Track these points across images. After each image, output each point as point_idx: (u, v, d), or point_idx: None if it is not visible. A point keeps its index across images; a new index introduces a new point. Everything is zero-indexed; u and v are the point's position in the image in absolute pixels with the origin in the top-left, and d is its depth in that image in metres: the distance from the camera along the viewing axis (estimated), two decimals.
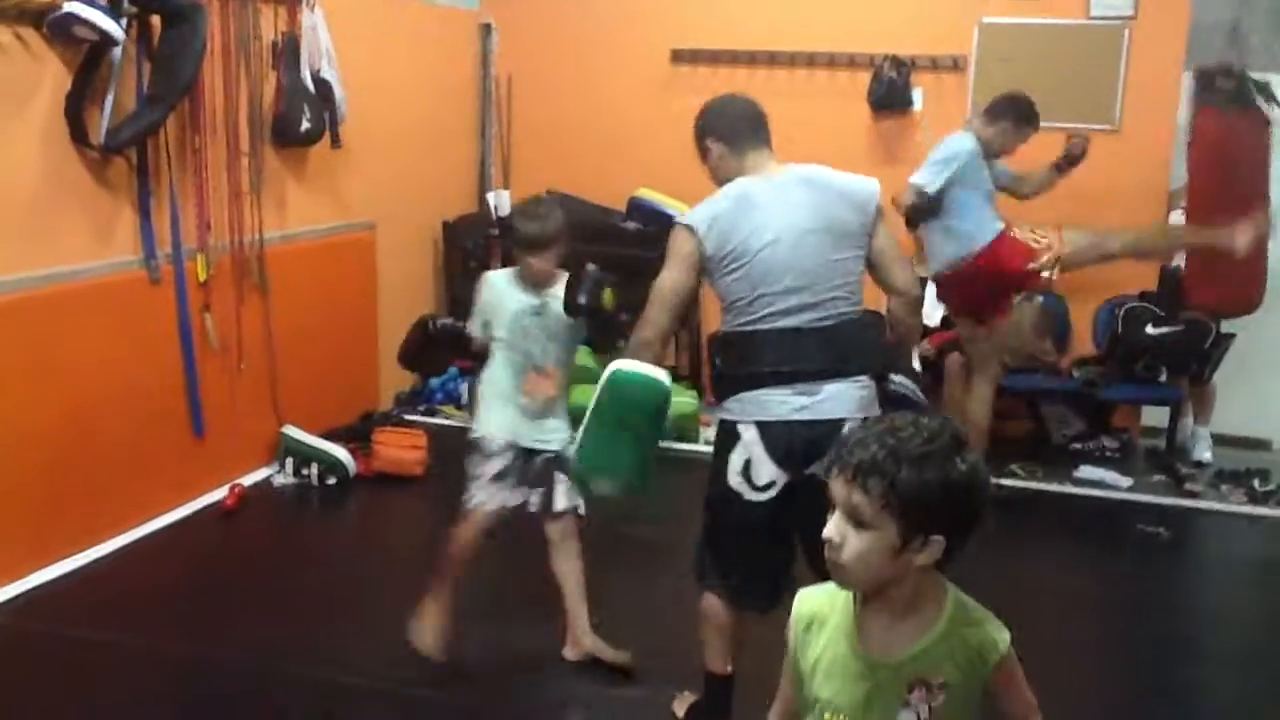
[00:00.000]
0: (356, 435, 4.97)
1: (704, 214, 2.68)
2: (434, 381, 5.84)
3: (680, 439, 5.47)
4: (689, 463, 5.32)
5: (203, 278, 4.28)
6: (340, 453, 4.73)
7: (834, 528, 1.54)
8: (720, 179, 2.80)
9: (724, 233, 2.64)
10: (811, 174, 2.76)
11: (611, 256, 5.89)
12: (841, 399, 2.62)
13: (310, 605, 3.67)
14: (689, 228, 2.66)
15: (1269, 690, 3.47)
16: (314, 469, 4.68)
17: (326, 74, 4.73)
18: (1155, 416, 5.72)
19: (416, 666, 3.16)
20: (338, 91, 4.79)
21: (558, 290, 3.08)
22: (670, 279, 2.69)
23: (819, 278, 2.63)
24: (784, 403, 2.60)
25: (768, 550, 2.70)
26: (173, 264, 4.15)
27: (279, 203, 4.73)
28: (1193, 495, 5.06)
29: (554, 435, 3.23)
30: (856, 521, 1.51)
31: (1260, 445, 5.83)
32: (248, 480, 4.60)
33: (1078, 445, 5.45)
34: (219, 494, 4.43)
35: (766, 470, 2.62)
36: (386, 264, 5.52)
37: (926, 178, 4.54)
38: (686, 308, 2.80)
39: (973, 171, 4.59)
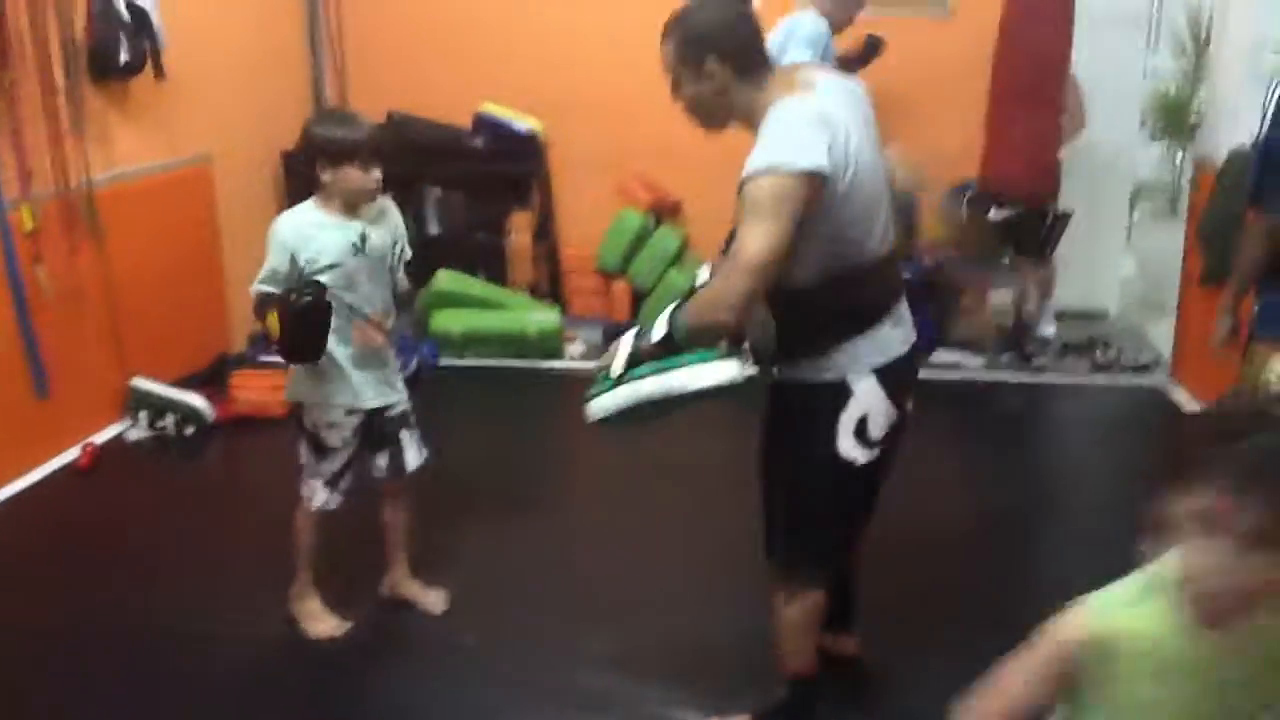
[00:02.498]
0: (211, 380, 4.81)
1: (817, 147, 2.12)
2: None
3: (546, 356, 5.46)
4: (557, 379, 5.34)
5: (29, 228, 4.02)
6: (196, 400, 4.56)
7: None
8: (710, 109, 2.32)
9: (837, 163, 2.14)
10: (839, 81, 2.37)
11: (460, 175, 5.85)
12: (909, 317, 2.41)
13: (178, 559, 3.56)
14: (811, 173, 2.10)
15: (1126, 533, 3.67)
16: (170, 420, 4.51)
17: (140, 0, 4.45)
18: (1001, 296, 5.92)
19: (284, 613, 3.11)
20: (155, 18, 4.51)
21: (377, 216, 2.85)
22: (770, 242, 2.10)
23: (886, 190, 2.34)
24: (891, 337, 2.32)
25: (863, 511, 2.48)
26: None
27: (105, 141, 4.46)
28: (1040, 369, 5.30)
29: (395, 390, 3.01)
30: None
31: (1099, 316, 6.12)
32: (100, 438, 4.41)
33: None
34: (71, 455, 4.23)
35: (884, 421, 2.32)
36: (226, 199, 5.29)
37: (804, 59, 4.42)
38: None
39: (828, 56, 4.59)
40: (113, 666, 2.97)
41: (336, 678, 2.93)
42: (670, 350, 2.26)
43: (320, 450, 2.95)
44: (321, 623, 3.07)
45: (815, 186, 2.12)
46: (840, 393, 2.29)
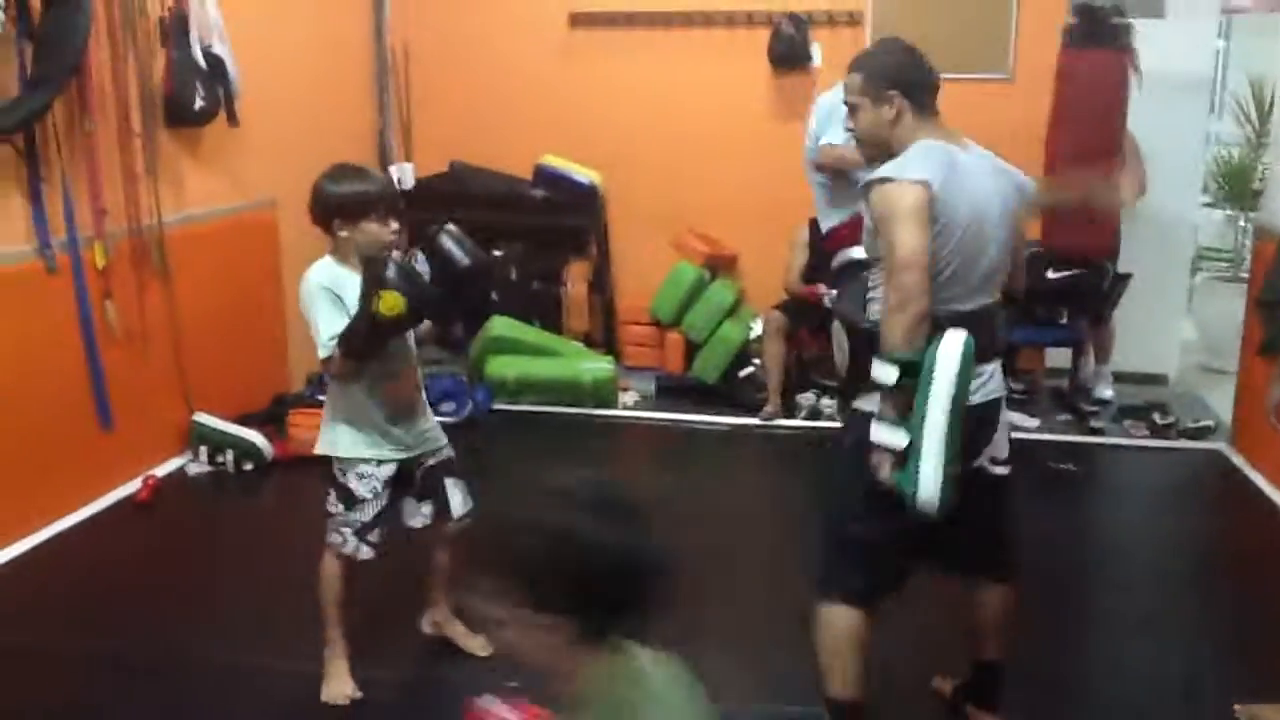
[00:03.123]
0: (270, 418, 4.89)
1: (927, 168, 2.35)
2: None
3: (599, 404, 5.49)
4: (609, 427, 5.37)
5: (101, 265, 4.15)
6: (255, 437, 4.64)
7: None
8: (877, 138, 2.51)
9: (944, 195, 2.35)
10: (991, 154, 2.59)
11: (521, 225, 5.94)
12: (997, 378, 2.51)
13: (233, 593, 3.61)
14: (920, 182, 2.32)
15: (1175, 608, 3.62)
16: (229, 455, 4.59)
17: (218, 49, 4.59)
18: (1058, 358, 5.88)
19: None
20: (230, 67, 4.66)
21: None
22: (911, 240, 2.29)
23: (998, 262, 2.48)
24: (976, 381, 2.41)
25: (913, 544, 2.51)
26: (69, 252, 4.01)
27: (176, 184, 4.59)
28: (1097, 432, 5.24)
29: (431, 440, 3.00)
30: None
31: (1158, 380, 6.05)
32: (161, 471, 4.49)
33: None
34: (132, 487, 4.32)
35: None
36: (289, 243, 5.39)
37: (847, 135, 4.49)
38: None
39: None
40: (164, 698, 3.01)
41: (374, 713, 2.94)
42: (910, 377, 2.30)
43: (350, 500, 2.91)
44: (339, 686, 2.97)
45: (926, 196, 2.32)
46: None
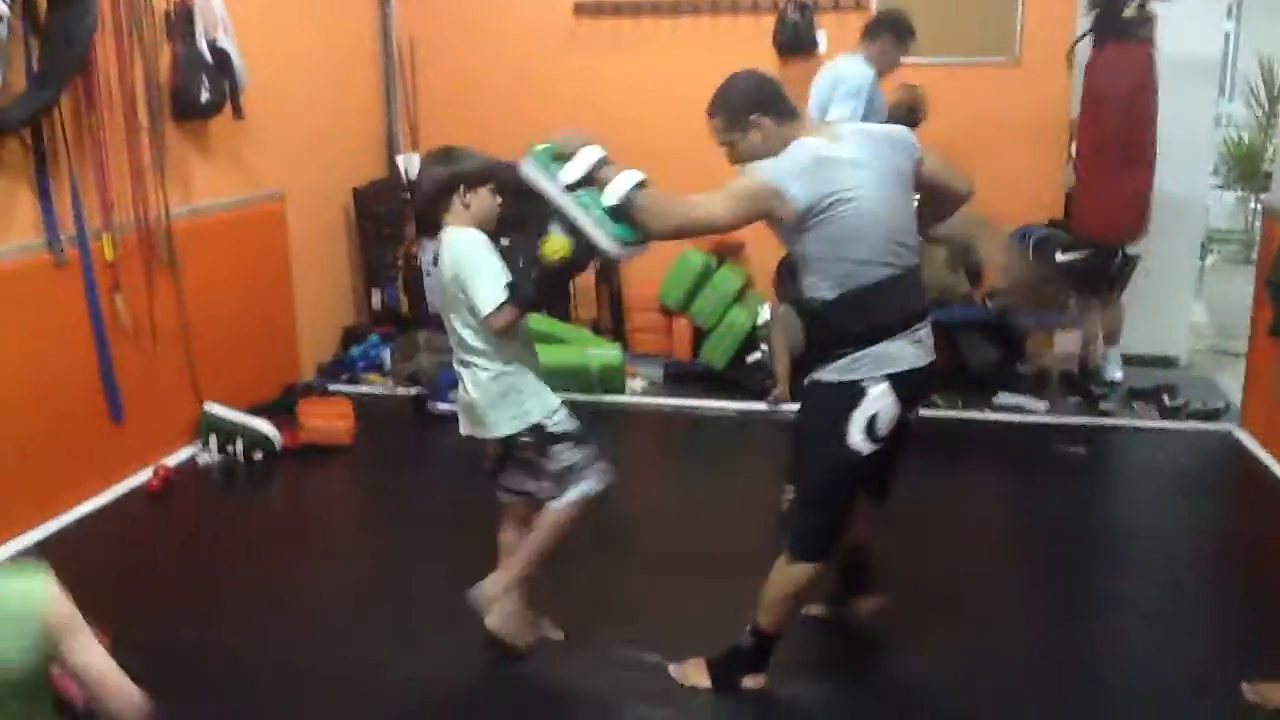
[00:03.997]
0: (280, 408, 4.91)
1: (784, 172, 2.64)
2: (355, 350, 5.79)
3: (607, 391, 5.50)
4: (618, 414, 5.38)
5: (110, 258, 4.18)
6: (265, 426, 4.67)
7: None
8: (753, 156, 2.78)
9: (814, 189, 2.62)
10: (862, 129, 2.86)
11: (527, 214, 5.93)
12: (930, 338, 2.77)
13: (243, 582, 3.64)
14: (770, 184, 2.64)
15: (1185, 591, 3.62)
16: (239, 445, 4.62)
17: (223, 43, 4.60)
18: (1067, 341, 5.87)
19: (354, 642, 3.16)
20: (236, 60, 4.67)
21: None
22: (719, 213, 2.72)
23: (900, 229, 2.71)
24: (906, 351, 2.69)
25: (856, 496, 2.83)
26: (77, 246, 4.04)
27: (183, 178, 4.62)
28: (1107, 414, 5.23)
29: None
30: None
31: (1167, 363, 6.03)
32: (171, 461, 4.53)
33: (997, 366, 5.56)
34: (143, 476, 4.35)
35: (889, 420, 2.67)
36: (298, 234, 5.43)
37: (848, 110, 4.52)
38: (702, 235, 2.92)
39: (875, 97, 4.63)
40: (172, 687, 3.03)
41: (391, 703, 2.97)
42: (607, 207, 2.69)
43: (579, 438, 2.98)
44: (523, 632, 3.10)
45: (777, 200, 2.61)
46: (853, 393, 2.66)
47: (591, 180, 2.72)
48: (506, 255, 2.88)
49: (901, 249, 2.71)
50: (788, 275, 2.94)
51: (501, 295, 2.80)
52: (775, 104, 2.78)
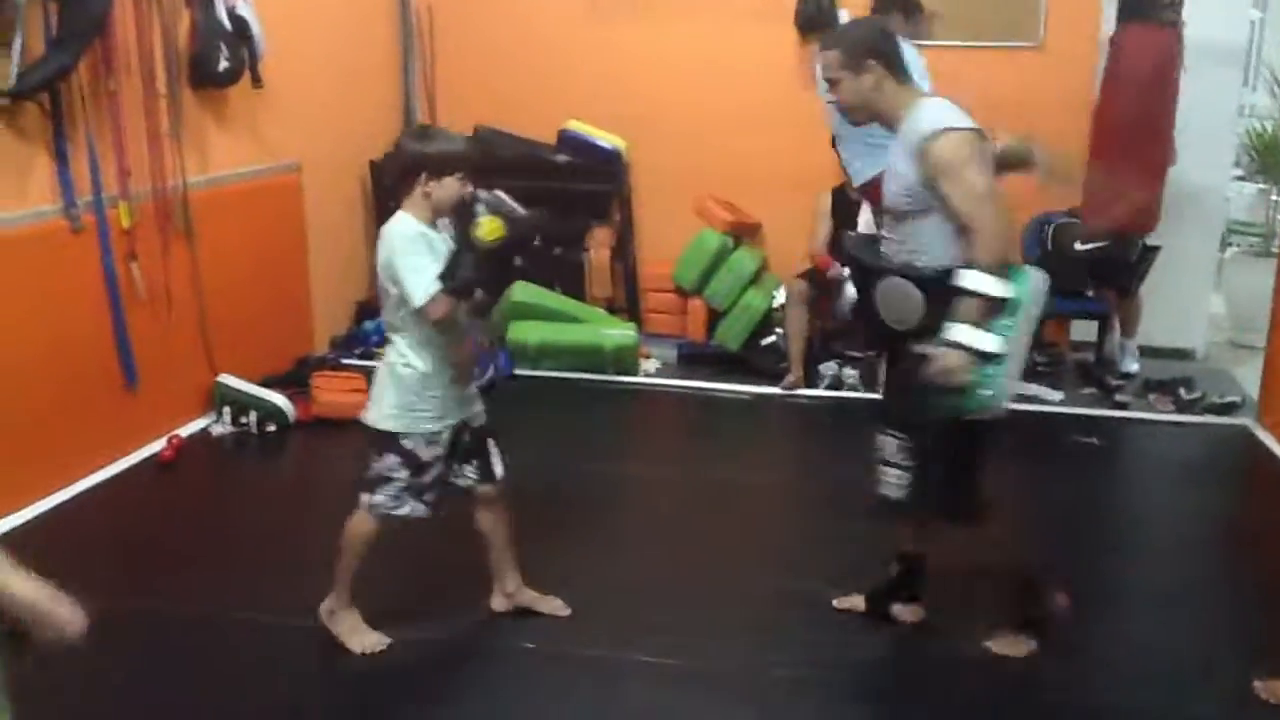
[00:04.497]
0: (293, 381, 4.90)
1: (963, 118, 2.68)
2: (369, 324, 5.77)
3: (620, 371, 5.49)
4: (630, 394, 5.37)
5: (126, 225, 4.16)
6: (278, 399, 4.66)
7: None
8: (857, 100, 2.76)
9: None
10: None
11: (544, 190, 5.90)
12: None
13: (256, 553, 3.64)
14: (977, 131, 2.66)
15: (1197, 583, 3.60)
16: (252, 417, 4.62)
17: (242, 10, 4.58)
18: (1084, 331, 5.84)
19: (363, 610, 3.15)
20: (255, 28, 4.65)
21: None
22: (990, 181, 2.64)
23: None
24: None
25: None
26: (94, 212, 4.02)
27: (200, 146, 4.60)
28: (1122, 406, 5.20)
29: (477, 401, 3.07)
30: None
31: (1184, 355, 6.00)
32: (185, 431, 4.53)
33: None
34: (156, 446, 4.35)
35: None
36: (314, 206, 5.41)
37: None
38: None
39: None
40: (182, 654, 3.04)
41: (401, 672, 2.97)
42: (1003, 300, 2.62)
43: (417, 466, 2.93)
44: (368, 635, 3.04)
45: (981, 144, 2.63)
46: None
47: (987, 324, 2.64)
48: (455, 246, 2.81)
49: None
50: (868, 249, 2.91)
51: (434, 285, 2.75)
52: (893, 59, 2.76)
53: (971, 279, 2.59)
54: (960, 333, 2.61)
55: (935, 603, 3.21)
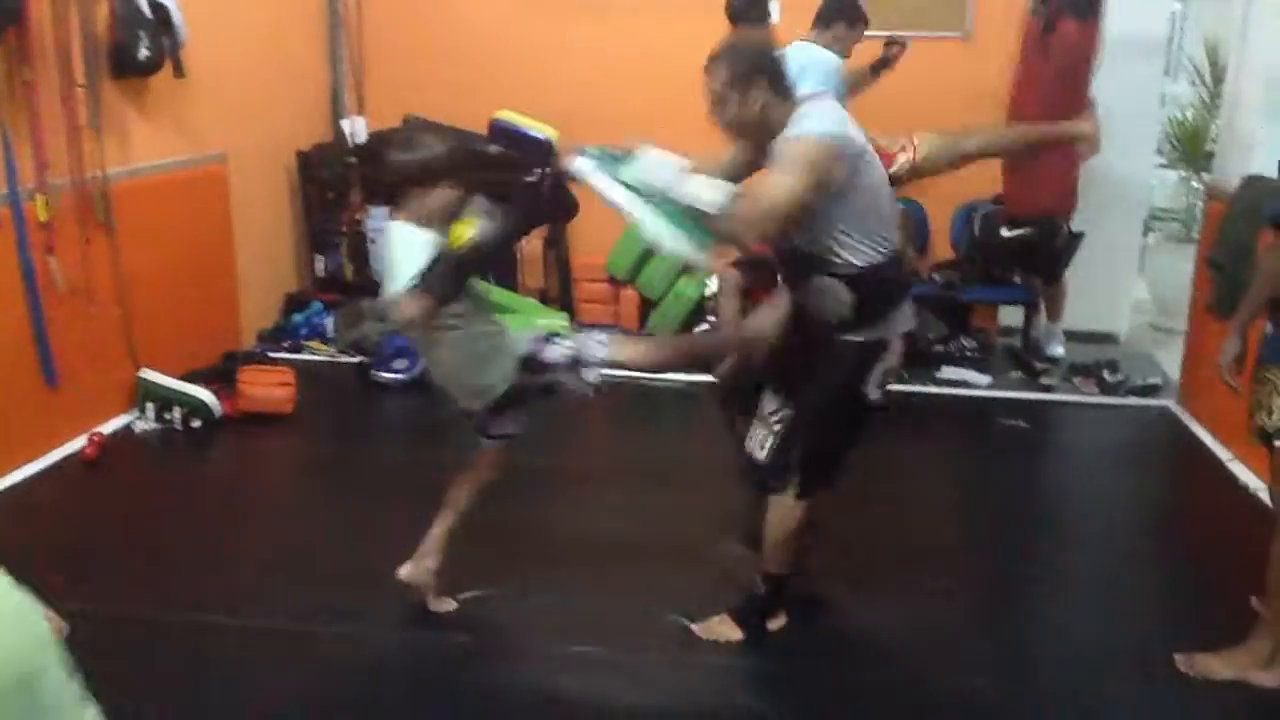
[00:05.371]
0: (220, 375, 4.82)
1: (835, 123, 2.68)
2: (298, 317, 5.70)
3: None
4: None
5: (43, 218, 4.06)
6: (203, 394, 4.58)
7: None
8: (739, 120, 2.74)
9: (855, 153, 2.68)
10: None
11: (475, 181, 5.85)
12: (908, 313, 2.96)
13: (180, 551, 3.58)
14: (834, 136, 2.63)
15: (1123, 563, 3.68)
16: (176, 413, 4.53)
17: None
18: (1011, 316, 5.93)
19: (293, 608, 3.13)
20: (176, 16, 4.56)
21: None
22: (794, 186, 2.60)
23: (894, 211, 2.91)
24: (907, 312, 2.92)
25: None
26: (10, 205, 3.92)
27: (121, 137, 4.50)
28: (1048, 389, 5.29)
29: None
30: None
31: (1108, 339, 6.12)
32: (107, 428, 4.44)
33: (939, 347, 5.60)
34: (77, 444, 4.26)
35: (891, 374, 2.90)
36: (240, 197, 5.33)
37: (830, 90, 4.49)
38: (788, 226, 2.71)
39: (840, 89, 4.61)
40: (108, 660, 2.98)
41: (337, 668, 2.94)
42: (690, 214, 2.63)
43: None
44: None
45: (836, 154, 2.61)
46: (874, 351, 2.84)
47: (657, 188, 2.67)
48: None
49: (894, 225, 2.88)
50: (796, 258, 2.92)
51: (407, 287, 2.83)
52: (780, 77, 2.77)
53: (718, 187, 2.63)
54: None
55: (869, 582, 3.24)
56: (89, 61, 4.24)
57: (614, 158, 2.72)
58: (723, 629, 3.08)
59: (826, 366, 2.89)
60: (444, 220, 2.87)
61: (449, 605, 3.22)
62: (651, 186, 2.65)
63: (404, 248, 2.89)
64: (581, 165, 2.75)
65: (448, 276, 2.84)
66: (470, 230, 2.82)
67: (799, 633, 3.15)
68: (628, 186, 2.68)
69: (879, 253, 2.77)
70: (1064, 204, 5.19)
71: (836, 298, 2.80)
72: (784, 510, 2.97)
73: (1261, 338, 2.93)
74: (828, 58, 4.51)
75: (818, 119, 2.68)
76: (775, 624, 3.12)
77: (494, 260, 2.99)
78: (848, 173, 2.66)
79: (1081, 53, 4.95)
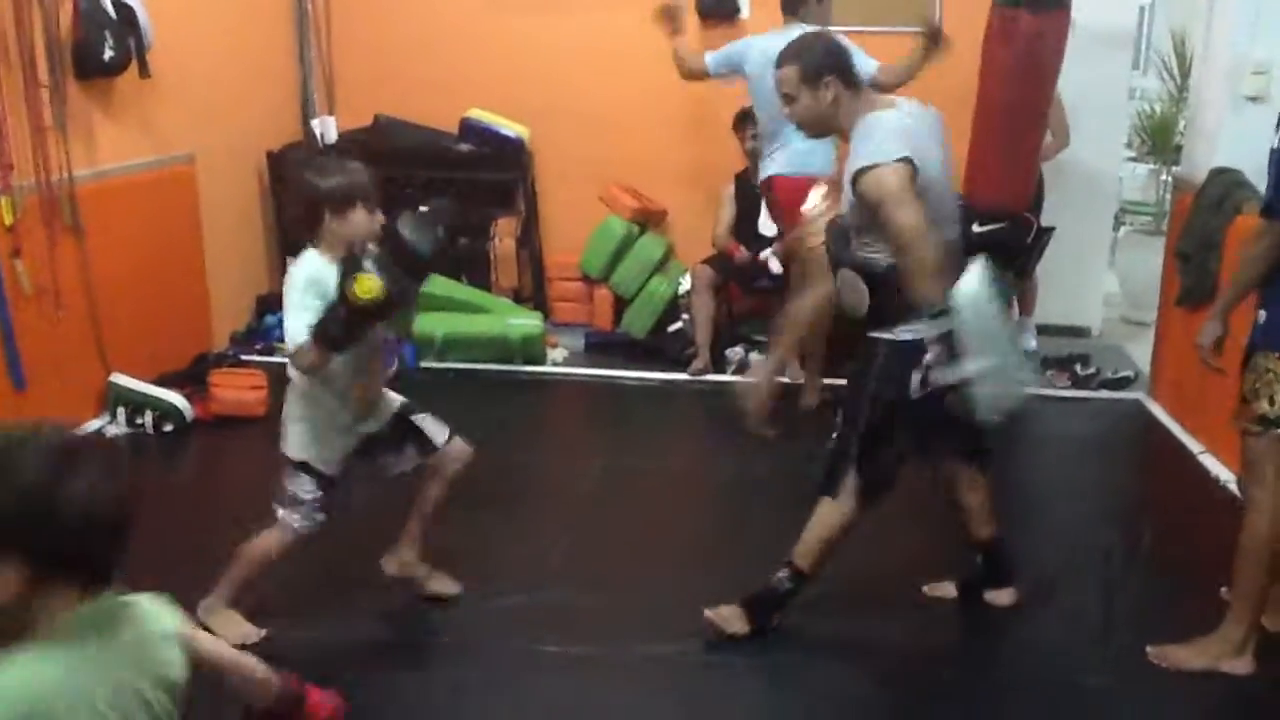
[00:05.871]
0: (191, 379, 4.79)
1: (905, 145, 2.70)
2: (270, 319, 5.66)
3: (528, 361, 5.45)
4: (538, 384, 5.35)
5: (9, 221, 4.01)
6: (174, 398, 4.54)
7: None
8: (811, 116, 2.82)
9: (921, 161, 2.70)
10: (919, 107, 2.90)
11: (447, 180, 5.85)
12: None
13: (155, 558, 3.52)
14: (909, 160, 2.67)
15: (1093, 552, 3.70)
16: (148, 417, 4.49)
17: None
18: None
19: (269, 609, 3.10)
20: (141, 16, 4.51)
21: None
22: (918, 217, 2.64)
23: (953, 199, 2.94)
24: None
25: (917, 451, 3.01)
26: None
27: (88, 138, 4.45)
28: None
29: (387, 403, 3.02)
30: None
31: (1080, 333, 6.15)
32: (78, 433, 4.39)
33: None
34: None
35: (941, 372, 2.79)
36: (209, 198, 5.28)
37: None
38: None
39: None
40: None
41: (314, 672, 2.91)
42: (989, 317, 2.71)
43: (330, 485, 2.93)
44: (240, 626, 2.97)
45: (913, 177, 2.66)
46: (915, 350, 2.78)
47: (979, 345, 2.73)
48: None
49: (954, 218, 2.89)
50: (839, 239, 2.91)
51: (303, 335, 2.64)
52: (849, 71, 2.82)
53: (925, 326, 2.73)
54: (942, 374, 2.75)
55: (830, 585, 3.24)
56: (53, 62, 4.19)
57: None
58: (735, 621, 3.03)
59: (862, 367, 2.91)
60: (352, 254, 2.61)
61: (452, 586, 3.21)
62: (995, 359, 2.71)
63: (301, 283, 2.69)
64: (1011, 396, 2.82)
65: (346, 327, 2.61)
66: (377, 285, 2.52)
67: (786, 630, 3.16)
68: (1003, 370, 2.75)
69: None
70: (1022, 199, 5.15)
71: (854, 289, 2.83)
72: (828, 512, 2.94)
73: (1254, 323, 2.90)
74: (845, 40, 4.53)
75: (887, 142, 2.70)
76: (775, 620, 3.09)
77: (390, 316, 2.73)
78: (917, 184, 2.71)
79: (1041, 44, 4.92)
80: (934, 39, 4.84)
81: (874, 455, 2.91)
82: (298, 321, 2.66)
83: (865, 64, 4.49)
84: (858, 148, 2.75)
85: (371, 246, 2.67)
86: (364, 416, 2.95)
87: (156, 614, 1.66)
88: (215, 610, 3.00)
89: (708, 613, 3.04)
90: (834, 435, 2.97)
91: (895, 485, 2.98)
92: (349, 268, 2.57)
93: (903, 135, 2.73)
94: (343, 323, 2.60)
